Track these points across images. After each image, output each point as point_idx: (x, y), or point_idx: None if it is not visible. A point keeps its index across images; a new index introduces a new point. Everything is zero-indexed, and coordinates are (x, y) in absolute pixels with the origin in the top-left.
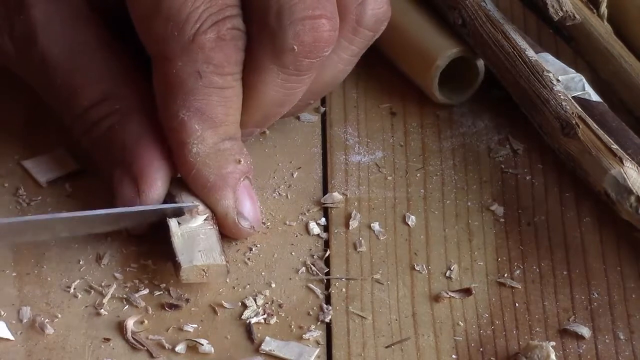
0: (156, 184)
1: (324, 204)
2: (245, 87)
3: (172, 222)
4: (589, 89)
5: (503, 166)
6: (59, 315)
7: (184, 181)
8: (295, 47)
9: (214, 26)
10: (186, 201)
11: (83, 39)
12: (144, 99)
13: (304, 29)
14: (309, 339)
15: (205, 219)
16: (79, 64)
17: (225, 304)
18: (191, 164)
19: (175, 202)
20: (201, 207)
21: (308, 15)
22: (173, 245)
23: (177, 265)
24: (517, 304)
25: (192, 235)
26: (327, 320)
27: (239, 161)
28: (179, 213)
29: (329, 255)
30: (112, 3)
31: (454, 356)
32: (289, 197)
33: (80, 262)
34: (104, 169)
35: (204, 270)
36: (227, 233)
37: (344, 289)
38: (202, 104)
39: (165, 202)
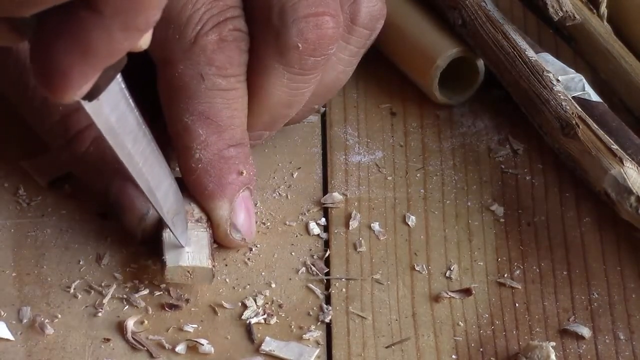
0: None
1: (324, 204)
2: (251, 89)
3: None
4: (589, 89)
5: (503, 166)
6: (59, 316)
7: (183, 183)
8: (300, 45)
9: (215, 28)
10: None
11: None
12: None
13: (307, 26)
14: (309, 339)
15: (199, 222)
16: None
17: (225, 304)
18: (192, 170)
19: None
20: (197, 210)
21: (311, 12)
22: (162, 243)
23: (163, 264)
24: (517, 304)
25: None
26: (327, 320)
27: (241, 172)
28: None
29: (329, 255)
30: None
31: (454, 356)
32: (289, 197)
33: (80, 263)
34: (95, 182)
35: (189, 271)
36: (218, 242)
37: (344, 289)
38: (205, 108)
39: None
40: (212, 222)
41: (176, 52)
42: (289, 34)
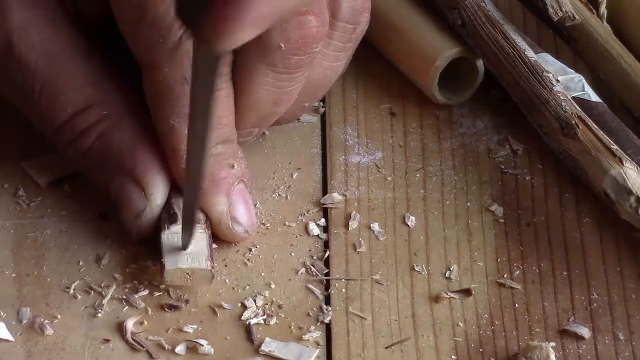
0: (161, 186)
1: (324, 204)
2: (237, 88)
3: (165, 223)
4: (588, 89)
5: (503, 167)
6: (59, 316)
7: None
8: (282, 45)
9: None
10: (181, 204)
11: (62, 44)
12: (131, 102)
13: (289, 25)
14: (308, 339)
15: (197, 223)
16: (59, 70)
17: (225, 305)
18: (183, 171)
19: (171, 205)
20: None
21: None
22: (161, 246)
23: (162, 267)
24: (516, 305)
25: None
26: (326, 321)
27: (233, 166)
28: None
29: (328, 255)
30: (87, 9)
31: (453, 357)
32: (288, 197)
33: (80, 263)
34: (97, 178)
35: (188, 273)
36: (221, 237)
37: (343, 290)
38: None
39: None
40: (212, 219)
41: (160, 56)
42: (271, 33)
